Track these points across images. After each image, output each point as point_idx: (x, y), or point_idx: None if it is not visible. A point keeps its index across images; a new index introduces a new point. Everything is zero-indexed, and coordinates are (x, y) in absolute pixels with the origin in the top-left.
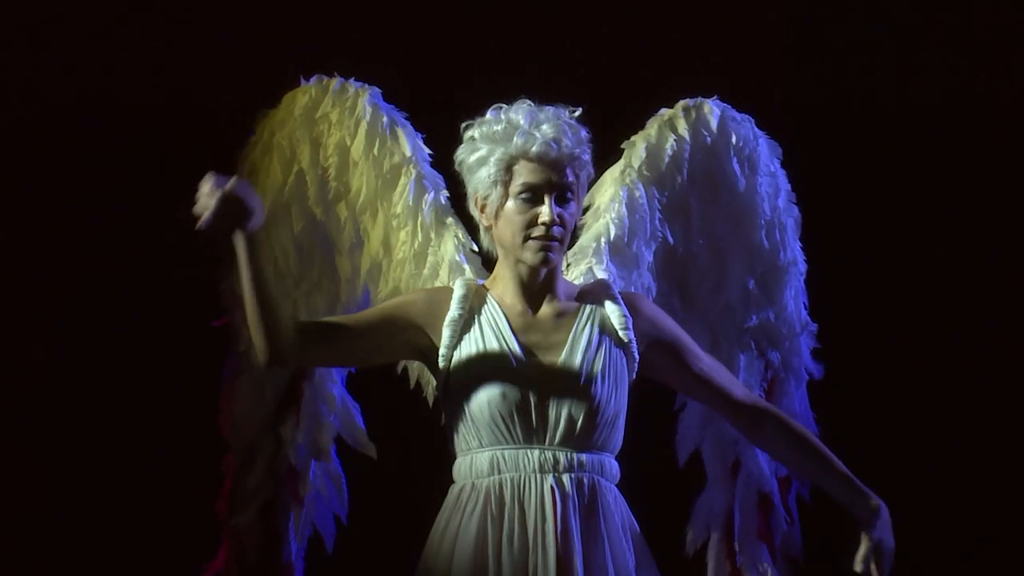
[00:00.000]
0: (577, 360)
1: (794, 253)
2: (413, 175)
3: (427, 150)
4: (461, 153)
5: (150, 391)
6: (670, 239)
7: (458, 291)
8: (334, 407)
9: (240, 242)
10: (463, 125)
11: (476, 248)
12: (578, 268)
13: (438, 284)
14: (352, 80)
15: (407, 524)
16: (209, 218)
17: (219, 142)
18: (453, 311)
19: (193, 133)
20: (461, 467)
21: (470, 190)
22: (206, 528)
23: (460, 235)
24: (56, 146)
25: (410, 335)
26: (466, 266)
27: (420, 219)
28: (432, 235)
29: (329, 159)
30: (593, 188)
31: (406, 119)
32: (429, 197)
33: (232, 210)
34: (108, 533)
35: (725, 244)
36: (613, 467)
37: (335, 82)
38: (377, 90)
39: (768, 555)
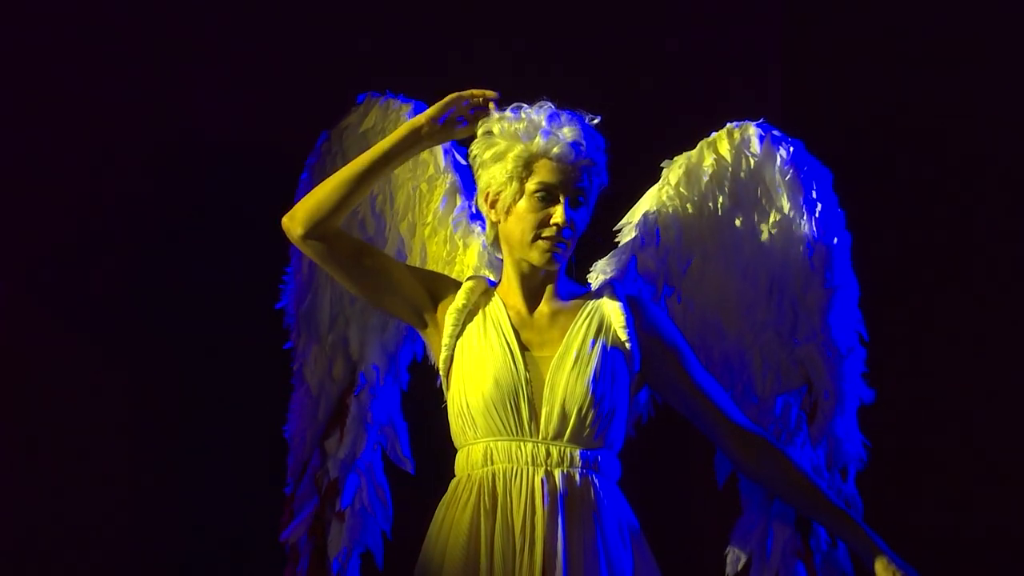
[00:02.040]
0: (572, 355)
1: (843, 276)
2: (447, 186)
3: (463, 162)
4: (476, 147)
5: (218, 408)
6: (708, 256)
7: (467, 284)
8: (375, 422)
9: (413, 132)
10: (480, 121)
11: (500, 256)
12: (599, 278)
13: None
14: (399, 96)
15: None
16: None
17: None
18: (458, 301)
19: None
20: (459, 460)
21: (482, 184)
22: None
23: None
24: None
25: (420, 301)
26: (487, 271)
27: (449, 228)
28: (460, 243)
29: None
30: (634, 206)
31: None
32: (459, 206)
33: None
34: (176, 551)
35: (772, 265)
36: (611, 463)
37: (381, 99)
38: (422, 103)
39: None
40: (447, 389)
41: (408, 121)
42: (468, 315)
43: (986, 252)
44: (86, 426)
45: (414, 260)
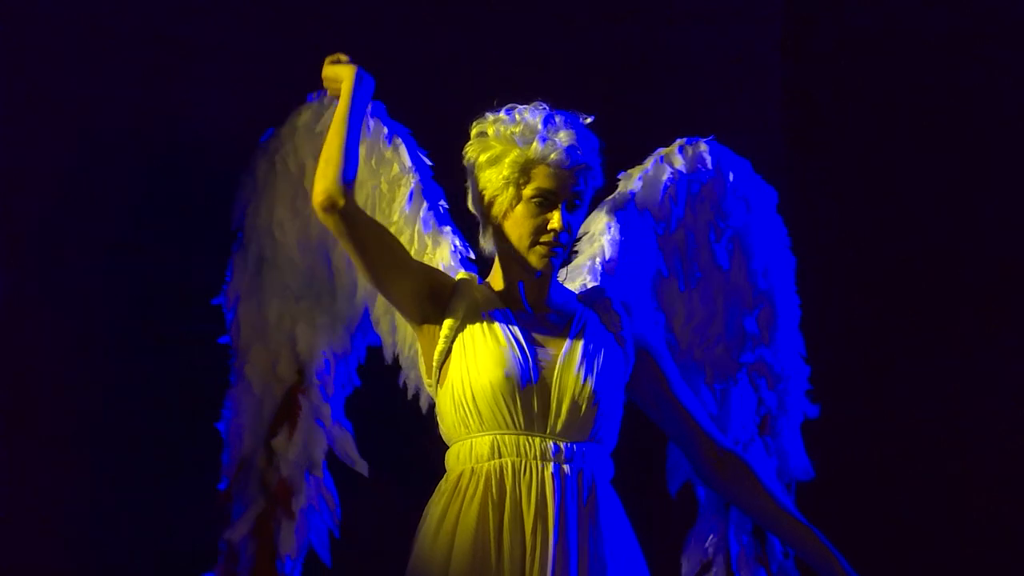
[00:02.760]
0: (578, 354)
1: (785, 296)
2: (412, 185)
3: (429, 162)
4: (471, 149)
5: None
6: (664, 271)
7: (463, 278)
8: (329, 422)
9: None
10: (474, 122)
11: (473, 256)
12: (572, 285)
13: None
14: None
15: (399, 536)
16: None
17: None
18: (459, 293)
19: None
20: (460, 453)
21: (476, 188)
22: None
23: (457, 243)
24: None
25: (422, 288)
26: (462, 270)
27: (418, 226)
28: (429, 242)
29: None
30: (588, 218)
31: (410, 134)
32: (426, 206)
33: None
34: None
35: (724, 282)
36: (609, 462)
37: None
38: (381, 104)
39: None
40: (440, 383)
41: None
42: (468, 309)
43: (986, 252)
44: None
45: None
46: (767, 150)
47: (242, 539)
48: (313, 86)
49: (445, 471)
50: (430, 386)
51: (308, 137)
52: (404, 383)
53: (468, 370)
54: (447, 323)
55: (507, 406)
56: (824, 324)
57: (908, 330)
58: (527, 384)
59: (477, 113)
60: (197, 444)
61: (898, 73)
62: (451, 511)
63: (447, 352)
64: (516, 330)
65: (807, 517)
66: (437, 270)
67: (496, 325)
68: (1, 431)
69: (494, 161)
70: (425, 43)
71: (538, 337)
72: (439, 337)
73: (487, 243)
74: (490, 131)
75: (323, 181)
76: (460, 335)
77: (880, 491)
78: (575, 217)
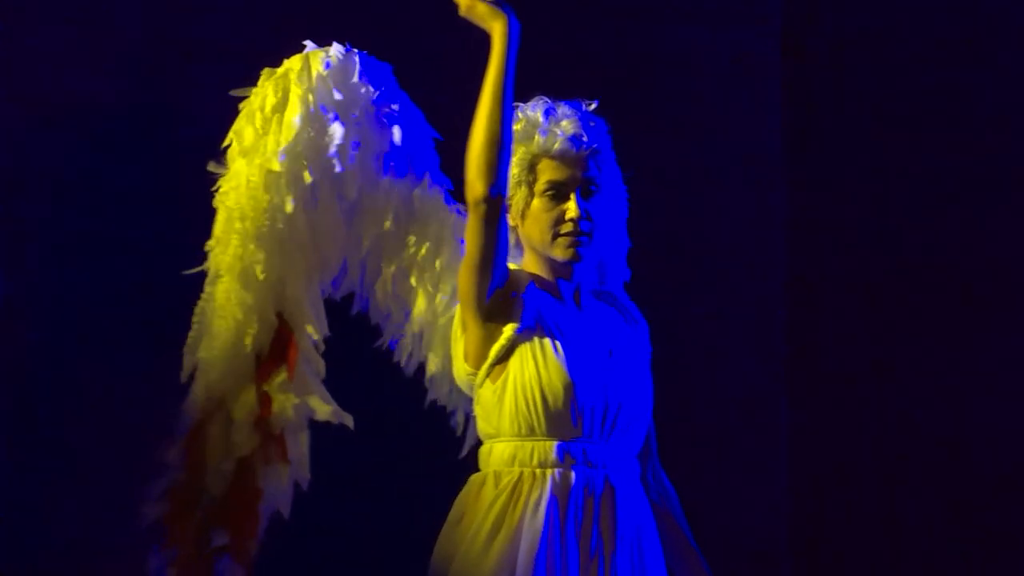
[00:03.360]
0: (628, 358)
1: None
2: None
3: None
4: None
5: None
6: None
7: (521, 275)
8: (321, 371)
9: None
10: None
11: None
12: None
13: (444, 250)
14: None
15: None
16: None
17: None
18: (520, 298)
19: None
20: (517, 455)
21: None
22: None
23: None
24: None
25: (503, 288)
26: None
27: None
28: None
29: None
30: None
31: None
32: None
33: None
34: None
35: None
36: (635, 463)
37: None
38: (389, 66)
39: None
40: (491, 378)
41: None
42: (533, 309)
43: (986, 252)
44: None
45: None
46: (767, 150)
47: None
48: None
49: (480, 439)
50: (470, 376)
51: (328, 85)
52: (386, 346)
53: (537, 374)
54: (512, 325)
55: (576, 413)
56: (824, 324)
57: (908, 330)
58: (593, 392)
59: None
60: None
61: (898, 73)
62: (512, 515)
63: (509, 351)
64: (574, 333)
65: (806, 516)
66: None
67: (561, 329)
68: (1, 431)
69: None
70: (425, 43)
71: (585, 336)
72: (501, 335)
73: (518, 246)
74: None
75: (487, 170)
76: (526, 337)
77: (880, 491)
78: (595, 203)
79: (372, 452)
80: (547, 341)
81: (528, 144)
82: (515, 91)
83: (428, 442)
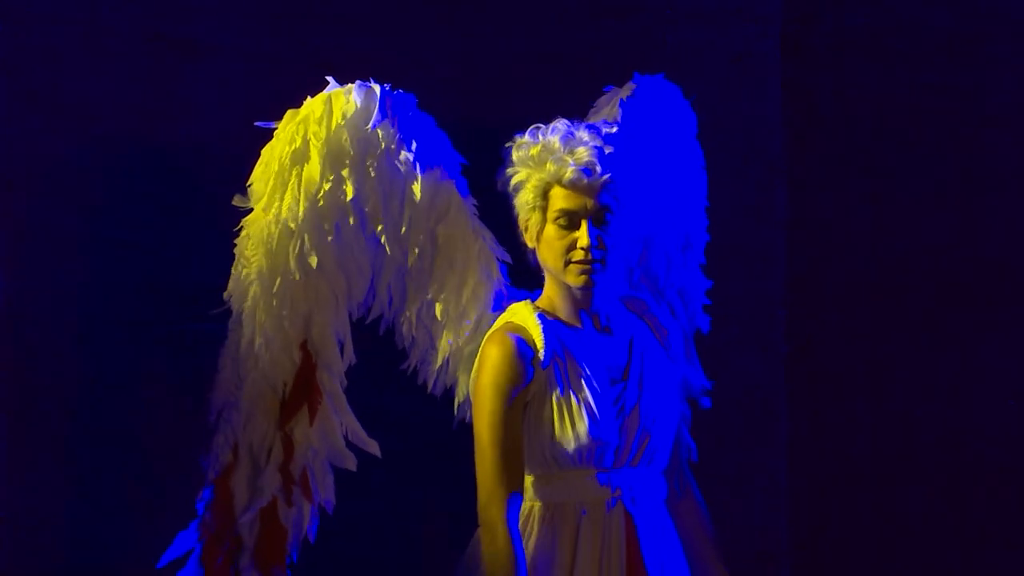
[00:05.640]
0: (651, 381)
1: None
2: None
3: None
4: (504, 176)
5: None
6: None
7: (533, 323)
8: (343, 407)
9: None
10: (506, 145)
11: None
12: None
13: (469, 279)
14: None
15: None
16: None
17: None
18: (529, 359)
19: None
20: (536, 487)
21: (515, 213)
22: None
23: (489, 239)
24: None
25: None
26: (522, 302)
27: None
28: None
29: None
30: None
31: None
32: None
33: None
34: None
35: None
36: (663, 481)
37: (378, 89)
38: (413, 97)
39: None
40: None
41: None
42: (547, 354)
43: (986, 252)
44: None
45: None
46: (766, 150)
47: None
48: (312, 85)
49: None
50: None
51: (355, 128)
52: (413, 368)
53: (553, 419)
54: (533, 387)
55: (592, 449)
56: (824, 323)
57: (908, 330)
58: (612, 423)
59: (474, 112)
60: (198, 443)
61: (897, 72)
62: (529, 548)
63: (528, 400)
64: (593, 362)
65: (807, 516)
66: (517, 369)
67: (578, 361)
68: (1, 431)
69: (520, 187)
70: (424, 43)
71: (608, 364)
72: (527, 391)
73: (534, 263)
74: (515, 156)
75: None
76: (544, 386)
77: (880, 490)
78: (609, 230)
79: (400, 471)
80: (562, 391)
81: (542, 171)
82: (514, 90)
83: (457, 463)
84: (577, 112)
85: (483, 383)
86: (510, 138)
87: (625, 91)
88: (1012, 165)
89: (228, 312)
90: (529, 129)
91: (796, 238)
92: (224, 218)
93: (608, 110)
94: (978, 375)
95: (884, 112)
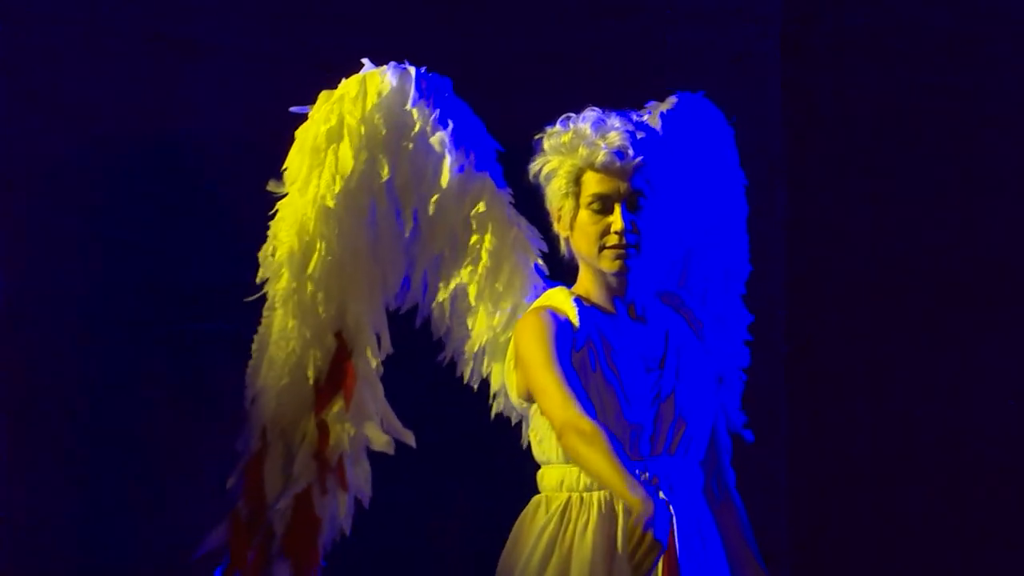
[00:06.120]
0: (686, 371)
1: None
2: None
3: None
4: (533, 167)
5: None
6: None
7: (573, 308)
8: (379, 395)
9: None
10: (535, 137)
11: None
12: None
13: (505, 266)
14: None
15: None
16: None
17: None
18: (580, 334)
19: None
20: (565, 479)
21: (546, 204)
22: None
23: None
24: None
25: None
26: (555, 288)
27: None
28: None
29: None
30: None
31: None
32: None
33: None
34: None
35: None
36: (699, 472)
37: (413, 70)
38: (448, 80)
39: None
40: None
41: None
42: (580, 340)
43: (986, 252)
44: None
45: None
46: (767, 149)
47: (284, 509)
48: (312, 85)
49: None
50: (523, 407)
51: (390, 109)
52: (447, 359)
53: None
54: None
55: (627, 436)
56: (824, 324)
57: (908, 330)
58: (646, 411)
59: (474, 112)
60: (198, 443)
61: (897, 72)
62: (563, 540)
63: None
64: (627, 350)
65: (807, 516)
66: (555, 325)
67: (613, 348)
68: (1, 431)
69: (552, 175)
70: (424, 43)
71: (642, 352)
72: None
73: (568, 254)
74: (545, 145)
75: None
76: (578, 369)
77: (880, 490)
78: (643, 214)
79: (435, 466)
80: (595, 376)
81: (574, 156)
82: (515, 89)
83: (494, 456)
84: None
85: (528, 341)
86: (510, 138)
87: (665, 105)
88: (1012, 165)
89: (263, 299)
90: (559, 119)
91: (796, 238)
92: (224, 218)
93: (650, 123)
94: (978, 375)
95: (884, 112)
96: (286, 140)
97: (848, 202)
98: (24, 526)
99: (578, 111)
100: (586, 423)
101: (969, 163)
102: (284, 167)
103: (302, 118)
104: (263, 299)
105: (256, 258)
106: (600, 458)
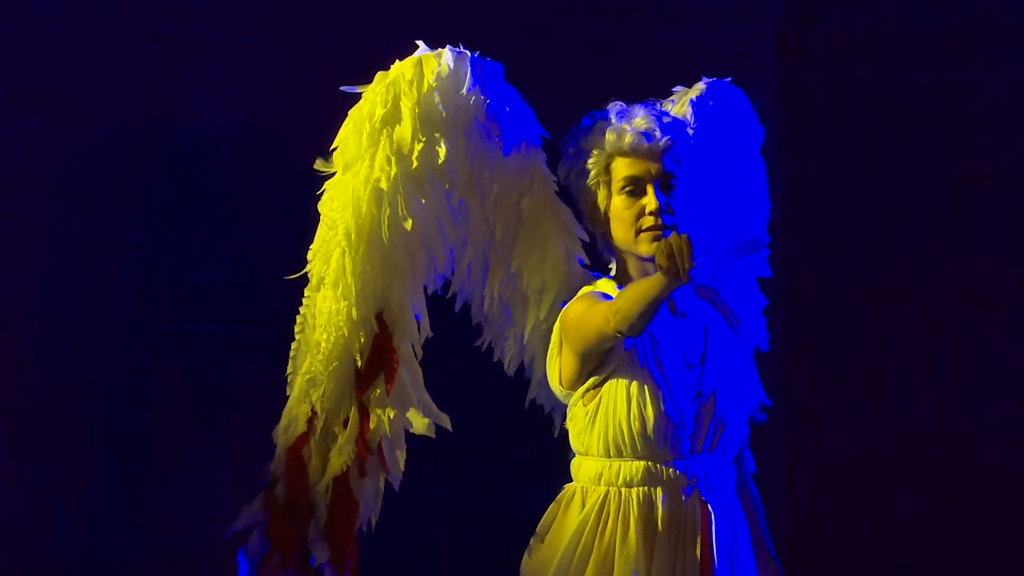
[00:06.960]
0: (728, 364)
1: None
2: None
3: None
4: (563, 167)
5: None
6: None
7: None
8: (416, 377)
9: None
10: (561, 140)
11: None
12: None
13: (551, 253)
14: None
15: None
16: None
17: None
18: None
19: None
20: (604, 473)
21: (579, 202)
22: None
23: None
24: None
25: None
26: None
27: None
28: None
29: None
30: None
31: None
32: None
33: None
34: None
35: None
36: (732, 469)
37: (469, 54)
38: (500, 66)
39: None
40: (585, 402)
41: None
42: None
43: (984, 252)
44: None
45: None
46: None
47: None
48: (311, 85)
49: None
50: (564, 396)
51: (447, 91)
52: (486, 345)
53: (628, 403)
54: (608, 363)
55: (666, 435)
56: (822, 324)
57: (907, 330)
58: (687, 409)
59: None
60: (197, 443)
61: (895, 72)
62: (602, 537)
63: (603, 380)
64: (671, 346)
65: (805, 516)
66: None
67: (657, 342)
68: (1, 431)
69: (583, 169)
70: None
71: (683, 348)
72: (596, 367)
73: (606, 252)
74: (572, 142)
75: (637, 320)
76: (621, 367)
77: (878, 490)
78: (675, 195)
79: (468, 451)
80: (641, 371)
81: (602, 145)
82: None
83: (528, 442)
84: (577, 113)
85: (578, 312)
86: None
87: (693, 91)
88: (1011, 165)
89: (259, 299)
90: (583, 117)
91: (795, 238)
92: (223, 218)
93: (678, 109)
94: (975, 375)
95: (882, 112)
96: (286, 140)
97: (846, 202)
98: (24, 526)
99: (578, 111)
100: (613, 303)
101: (968, 163)
102: (333, 146)
103: (300, 116)
104: (260, 299)
105: (256, 258)
106: (635, 294)
